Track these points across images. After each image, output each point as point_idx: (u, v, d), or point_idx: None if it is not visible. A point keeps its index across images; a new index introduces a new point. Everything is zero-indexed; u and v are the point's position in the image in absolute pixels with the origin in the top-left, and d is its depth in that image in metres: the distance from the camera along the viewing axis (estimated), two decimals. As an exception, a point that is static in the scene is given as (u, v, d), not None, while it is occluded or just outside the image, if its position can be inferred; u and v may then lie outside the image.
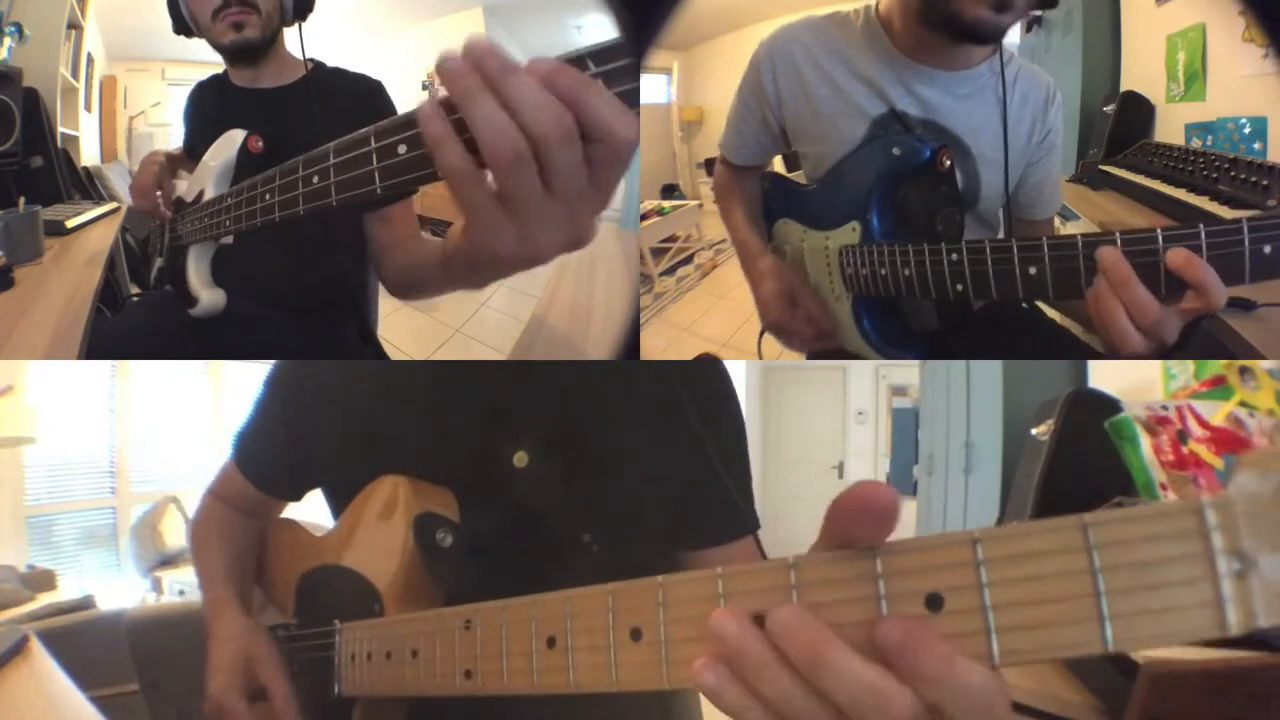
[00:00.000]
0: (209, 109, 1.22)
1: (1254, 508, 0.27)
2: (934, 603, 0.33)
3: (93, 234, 1.50)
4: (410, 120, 0.55)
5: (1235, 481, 0.28)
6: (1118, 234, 0.72)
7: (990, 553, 0.32)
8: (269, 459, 0.90)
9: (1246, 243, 0.68)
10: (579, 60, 0.50)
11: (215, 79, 1.23)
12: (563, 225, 0.50)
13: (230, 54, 1.17)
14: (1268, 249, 0.67)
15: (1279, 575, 0.27)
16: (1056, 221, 1.34)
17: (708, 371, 0.86)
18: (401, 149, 0.56)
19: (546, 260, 0.52)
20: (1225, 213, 1.13)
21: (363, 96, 1.19)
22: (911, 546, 0.34)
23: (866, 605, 0.35)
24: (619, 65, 0.50)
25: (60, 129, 1.59)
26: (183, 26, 1.16)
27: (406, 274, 1.11)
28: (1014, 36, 1.45)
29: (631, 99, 0.50)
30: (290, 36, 1.18)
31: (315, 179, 0.65)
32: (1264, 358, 0.94)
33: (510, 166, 0.46)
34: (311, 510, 0.97)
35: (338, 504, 0.83)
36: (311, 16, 1.17)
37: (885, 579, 0.34)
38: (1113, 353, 0.72)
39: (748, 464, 0.88)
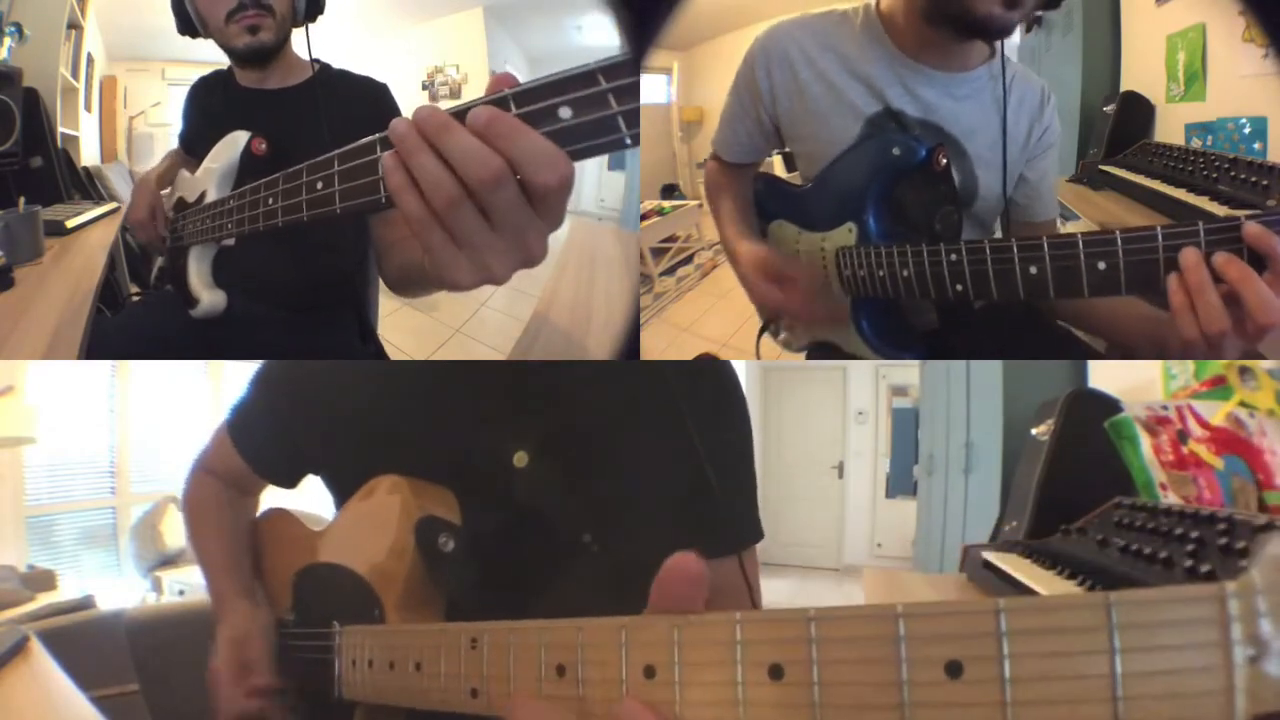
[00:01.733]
0: (212, 107, 1.22)
1: (1274, 593, 0.28)
2: (954, 670, 0.33)
3: (93, 234, 1.50)
4: None
5: (1257, 565, 0.28)
6: (1118, 232, 0.72)
7: (1014, 625, 0.32)
8: (267, 445, 0.89)
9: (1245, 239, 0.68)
10: (589, 75, 0.50)
11: (218, 76, 1.23)
12: (511, 251, 0.55)
13: (243, 57, 1.16)
14: None
15: None
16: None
17: (714, 376, 0.84)
18: None
19: (504, 281, 0.57)
20: (1225, 213, 1.13)
21: (368, 98, 1.19)
22: (935, 610, 0.34)
23: (886, 667, 0.35)
24: (626, 83, 0.50)
25: (60, 129, 1.60)
26: (188, 27, 1.16)
27: (404, 271, 1.13)
28: (1014, 37, 1.45)
29: (632, 117, 0.51)
30: (295, 37, 1.18)
31: (320, 185, 0.65)
32: (1264, 358, 0.95)
33: (448, 211, 0.52)
34: (305, 500, 0.97)
35: (339, 496, 0.83)
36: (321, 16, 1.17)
37: (907, 642, 0.34)
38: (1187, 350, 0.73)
39: (753, 472, 0.87)
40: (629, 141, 0.51)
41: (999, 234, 1.07)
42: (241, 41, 1.13)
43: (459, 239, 0.53)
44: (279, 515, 0.93)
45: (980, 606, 0.33)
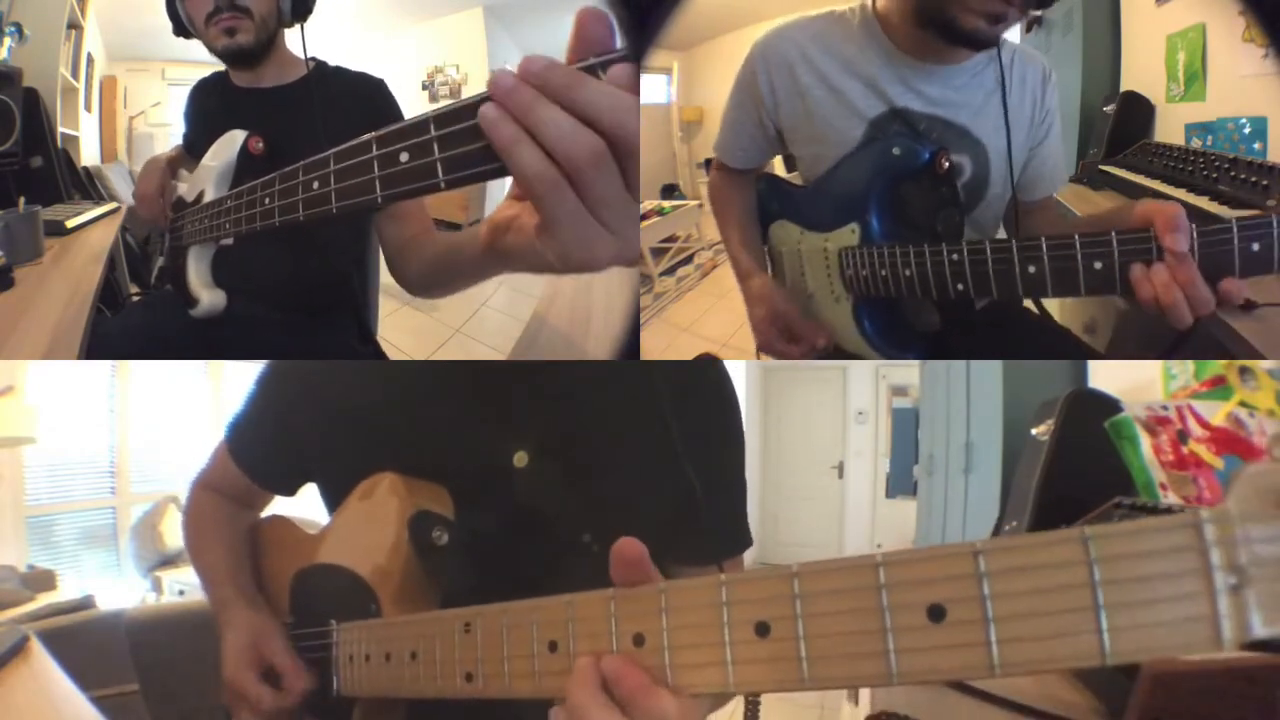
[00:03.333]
0: (210, 107, 1.22)
1: (1251, 521, 0.28)
2: (936, 614, 0.33)
3: (93, 234, 1.50)
4: (412, 127, 0.54)
5: (1234, 494, 0.28)
6: (1113, 233, 0.73)
7: (993, 565, 0.32)
8: (263, 451, 0.89)
9: (1235, 241, 0.69)
10: (590, 70, 0.49)
11: (217, 77, 1.23)
12: (636, 221, 0.49)
13: (224, 58, 1.17)
14: (1256, 247, 0.69)
15: (1274, 588, 0.27)
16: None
17: (706, 383, 0.84)
18: (404, 156, 0.55)
19: (635, 261, 0.51)
20: (1225, 212, 1.13)
21: (364, 95, 1.19)
22: (914, 557, 0.34)
23: (869, 616, 0.35)
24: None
25: (60, 129, 1.60)
26: (182, 29, 1.16)
27: (430, 273, 1.07)
28: (1013, 35, 1.45)
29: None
30: (291, 36, 1.19)
31: (316, 185, 0.64)
32: (1264, 358, 0.95)
33: (590, 168, 0.45)
34: (303, 506, 0.97)
35: (334, 501, 0.83)
36: (312, 16, 1.17)
37: (888, 589, 0.35)
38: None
39: (743, 478, 0.87)
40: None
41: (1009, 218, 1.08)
42: (220, 43, 1.13)
43: (598, 204, 0.45)
44: (276, 521, 0.93)
45: (959, 549, 0.33)
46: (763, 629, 0.38)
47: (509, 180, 0.53)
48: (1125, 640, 0.30)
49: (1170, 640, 0.29)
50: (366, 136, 0.58)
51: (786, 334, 1.03)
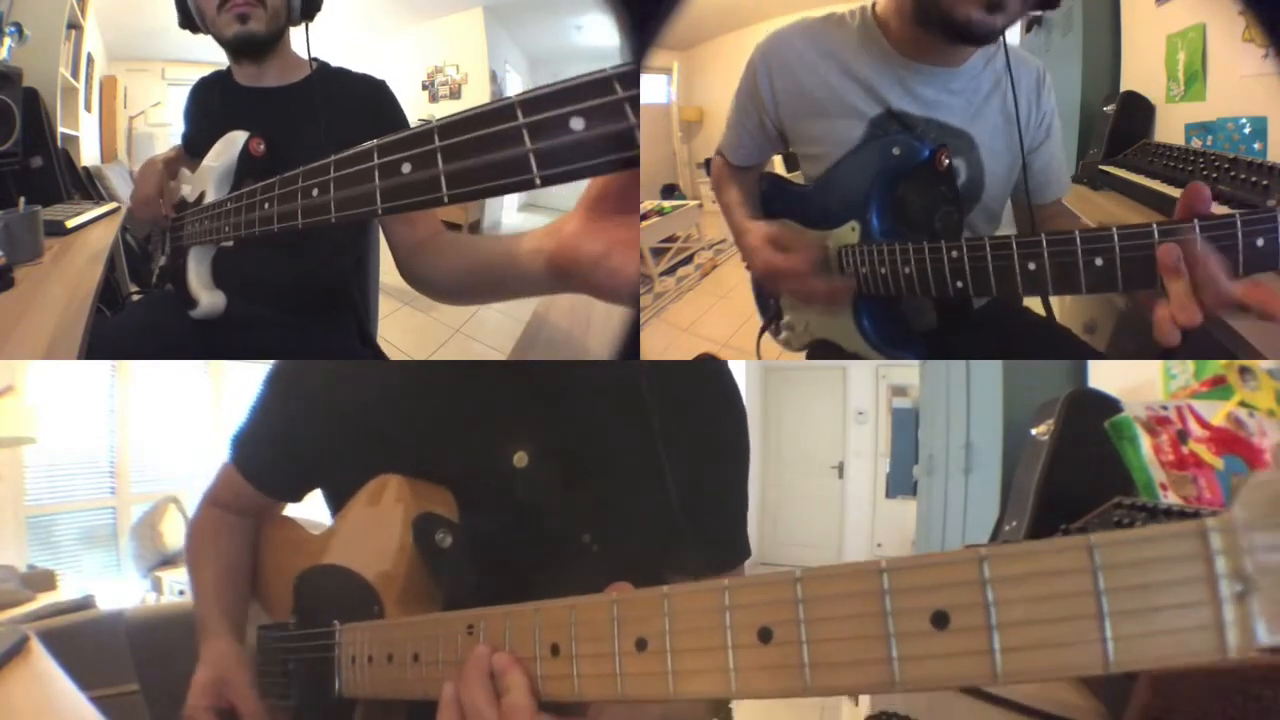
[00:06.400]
0: (212, 105, 1.22)
1: (1257, 529, 0.27)
2: (940, 620, 0.33)
3: (93, 234, 1.50)
4: (415, 137, 0.52)
5: (1239, 502, 0.28)
6: (1114, 229, 0.73)
7: (997, 571, 0.32)
8: (269, 459, 0.89)
9: (1240, 236, 0.69)
10: (604, 82, 0.47)
11: (218, 76, 1.23)
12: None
13: (234, 47, 1.16)
14: (1260, 242, 0.69)
15: (1279, 595, 0.27)
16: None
17: (712, 388, 0.83)
18: (405, 168, 0.52)
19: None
20: (1225, 212, 1.13)
21: (367, 96, 1.19)
22: (918, 563, 0.34)
23: (872, 621, 0.35)
24: (633, 93, 0.48)
25: (60, 129, 1.59)
26: (189, 21, 1.16)
27: (464, 282, 0.95)
28: (1014, 36, 1.45)
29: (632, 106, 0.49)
30: (294, 36, 1.18)
31: (315, 192, 0.63)
32: (1264, 358, 0.95)
33: None
34: (308, 509, 0.97)
35: (337, 503, 0.83)
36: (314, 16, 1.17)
37: (891, 595, 0.34)
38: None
39: (744, 487, 0.86)
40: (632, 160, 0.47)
41: (1006, 220, 1.08)
42: (231, 30, 1.12)
43: None
44: (281, 522, 0.93)
45: (963, 556, 0.33)
46: (765, 634, 0.38)
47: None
48: (1129, 649, 0.29)
49: (1175, 649, 0.28)
50: (367, 145, 0.55)
51: (784, 250, 1.01)
